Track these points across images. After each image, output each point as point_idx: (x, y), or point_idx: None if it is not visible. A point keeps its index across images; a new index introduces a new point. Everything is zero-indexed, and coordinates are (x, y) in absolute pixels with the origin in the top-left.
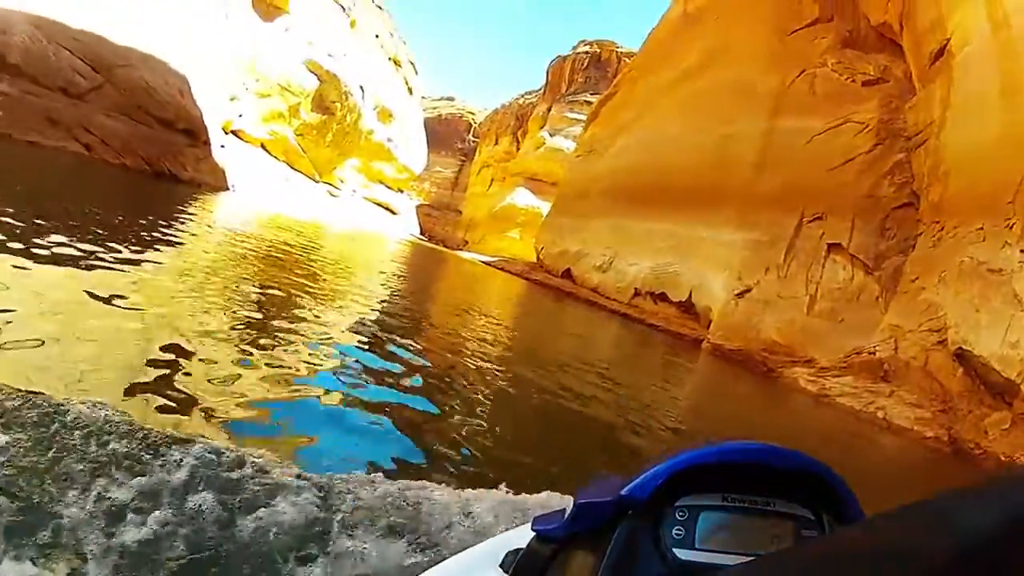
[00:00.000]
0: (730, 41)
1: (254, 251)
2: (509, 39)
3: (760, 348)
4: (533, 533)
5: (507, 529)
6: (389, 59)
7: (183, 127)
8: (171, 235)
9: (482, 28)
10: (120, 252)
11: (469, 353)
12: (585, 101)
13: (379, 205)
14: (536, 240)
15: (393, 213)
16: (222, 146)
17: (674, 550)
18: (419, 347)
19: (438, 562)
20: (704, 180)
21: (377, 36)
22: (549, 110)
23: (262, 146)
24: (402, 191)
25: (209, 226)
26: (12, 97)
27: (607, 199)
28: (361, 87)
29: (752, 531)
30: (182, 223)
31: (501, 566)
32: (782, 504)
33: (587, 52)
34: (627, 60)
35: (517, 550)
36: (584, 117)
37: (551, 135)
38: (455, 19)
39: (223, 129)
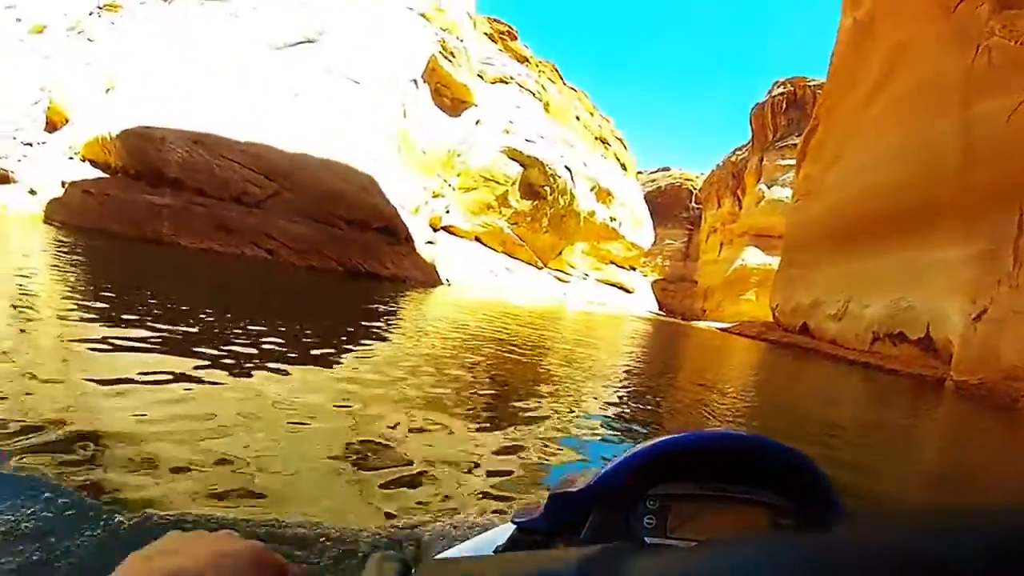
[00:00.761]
0: (902, 40)
1: (483, 340)
2: (708, 94)
3: (1002, 377)
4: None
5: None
6: (596, 139)
7: (377, 226)
8: (392, 329)
9: (679, 90)
10: (344, 348)
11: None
12: (792, 144)
13: (613, 285)
14: (770, 298)
15: (628, 292)
16: (429, 242)
17: (645, 539)
18: (659, 426)
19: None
20: (917, 196)
21: (578, 118)
22: (761, 161)
23: (476, 239)
24: (634, 268)
25: (428, 319)
26: (176, 208)
27: (830, 241)
28: (568, 168)
29: (725, 519)
30: (398, 317)
31: None
32: (757, 492)
33: (783, 93)
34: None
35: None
36: (794, 162)
37: (768, 187)
38: (648, 89)
39: (431, 225)
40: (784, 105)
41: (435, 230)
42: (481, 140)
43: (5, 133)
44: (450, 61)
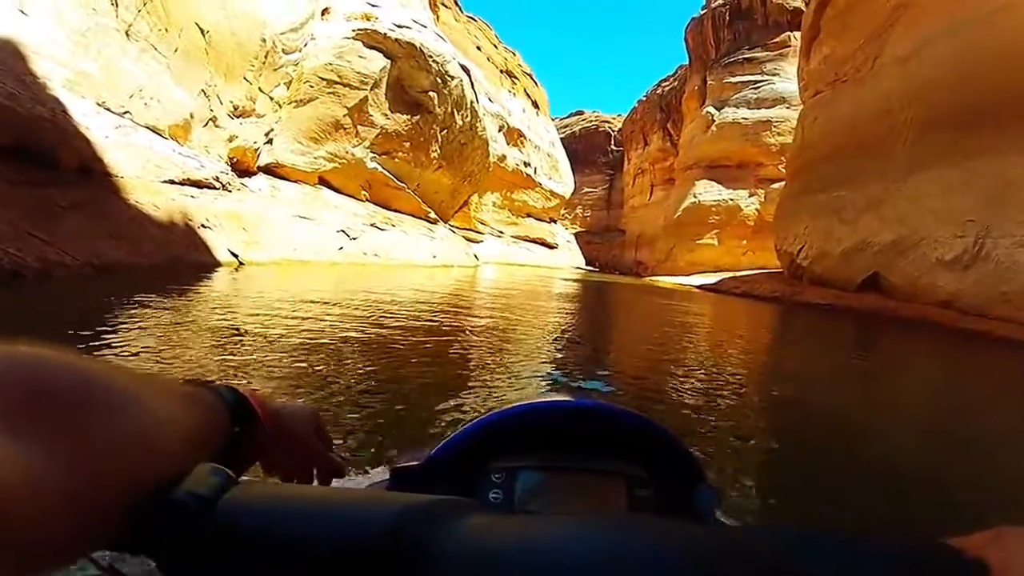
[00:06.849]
0: None
1: (347, 347)
2: (614, 32)
3: None
4: None
5: None
6: (501, 72)
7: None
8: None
9: (584, 30)
10: None
11: None
12: (744, 59)
13: (533, 241)
14: (780, 240)
15: (551, 247)
16: (221, 187)
17: None
18: None
19: None
20: None
21: (479, 48)
22: (705, 82)
23: (321, 180)
24: (554, 221)
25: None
26: None
27: (926, 137)
28: (465, 69)
29: (578, 491)
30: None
31: None
32: (610, 463)
33: (724, 3)
34: None
35: None
36: (752, 78)
37: (718, 108)
38: (551, 31)
39: (237, 167)
40: (727, 16)
41: (248, 173)
42: (324, 31)
43: None
44: None
